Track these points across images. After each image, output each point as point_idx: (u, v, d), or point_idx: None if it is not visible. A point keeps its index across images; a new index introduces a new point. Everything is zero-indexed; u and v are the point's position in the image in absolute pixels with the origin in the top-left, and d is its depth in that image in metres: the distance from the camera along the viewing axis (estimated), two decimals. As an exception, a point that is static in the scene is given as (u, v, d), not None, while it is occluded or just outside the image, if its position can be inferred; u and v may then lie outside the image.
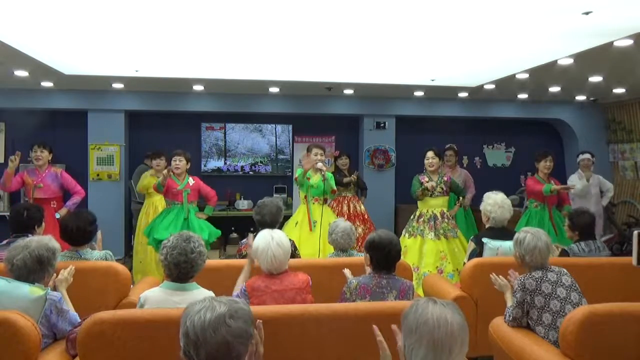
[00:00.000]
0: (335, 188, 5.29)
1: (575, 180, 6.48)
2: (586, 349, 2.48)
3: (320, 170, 5.07)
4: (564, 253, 3.95)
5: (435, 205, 5.44)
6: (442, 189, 5.47)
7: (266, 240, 2.85)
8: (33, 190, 5.30)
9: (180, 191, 5.31)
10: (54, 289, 2.87)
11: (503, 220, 4.06)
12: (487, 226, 4.14)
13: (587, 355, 2.48)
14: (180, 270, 2.54)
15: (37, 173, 5.38)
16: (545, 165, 5.67)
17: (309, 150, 5.35)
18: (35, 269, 2.68)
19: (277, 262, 2.81)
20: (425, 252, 5.25)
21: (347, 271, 3.20)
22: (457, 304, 1.74)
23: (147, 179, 6.18)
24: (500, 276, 3.20)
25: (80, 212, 3.67)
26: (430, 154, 5.52)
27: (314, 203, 5.21)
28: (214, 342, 1.54)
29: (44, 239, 2.78)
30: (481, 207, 4.18)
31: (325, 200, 5.27)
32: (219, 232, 5.44)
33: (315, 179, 5.22)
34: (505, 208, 4.06)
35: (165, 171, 5.28)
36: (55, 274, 2.87)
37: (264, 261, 2.82)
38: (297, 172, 5.33)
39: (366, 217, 6.26)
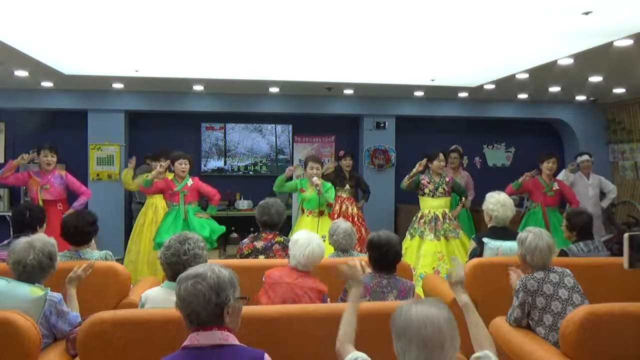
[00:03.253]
0: (332, 201, 5.32)
1: (562, 175, 6.48)
2: (586, 349, 2.48)
3: (316, 185, 5.07)
4: (563, 253, 3.95)
5: (436, 206, 5.43)
6: (444, 189, 5.46)
7: (309, 238, 2.96)
8: (40, 192, 5.31)
9: (177, 192, 5.29)
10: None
11: (505, 218, 4.06)
12: (489, 226, 4.14)
13: (587, 355, 2.48)
14: (173, 270, 2.54)
15: (43, 175, 5.39)
16: (548, 167, 5.67)
17: (306, 164, 5.36)
18: (37, 275, 2.69)
19: (310, 260, 2.91)
20: (423, 253, 5.25)
21: (357, 261, 3.23)
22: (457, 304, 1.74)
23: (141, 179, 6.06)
24: (519, 270, 3.10)
25: (80, 212, 3.67)
26: (442, 156, 5.53)
27: (308, 215, 5.24)
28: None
29: (47, 245, 2.76)
30: (483, 207, 4.18)
31: (321, 213, 5.27)
32: (223, 228, 5.37)
33: (310, 191, 5.22)
34: (507, 206, 4.07)
35: (158, 170, 5.26)
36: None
37: (299, 253, 2.91)
38: (297, 182, 5.39)
39: (356, 219, 6.24)
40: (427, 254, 5.22)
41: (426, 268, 5.16)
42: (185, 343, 1.84)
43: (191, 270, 1.90)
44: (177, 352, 1.84)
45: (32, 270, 2.65)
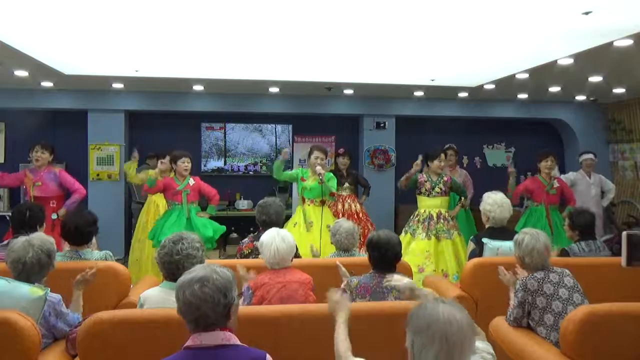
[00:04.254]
0: (334, 190, 5.29)
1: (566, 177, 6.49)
2: (586, 349, 2.48)
3: (319, 174, 5.07)
4: (564, 253, 3.95)
5: (432, 205, 5.41)
6: (441, 189, 5.44)
7: (272, 235, 2.98)
8: (32, 189, 5.30)
9: (179, 191, 5.29)
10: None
11: (503, 219, 4.06)
12: (487, 226, 4.14)
13: (587, 355, 2.48)
14: (168, 270, 2.55)
15: (37, 172, 5.38)
16: (545, 165, 5.66)
17: (310, 152, 5.34)
18: (36, 273, 2.69)
19: (280, 256, 2.92)
20: (411, 250, 5.24)
21: (341, 266, 3.21)
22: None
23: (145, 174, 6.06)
24: (510, 272, 3.17)
25: (80, 212, 3.66)
26: (443, 156, 5.51)
27: (309, 205, 5.23)
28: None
29: (46, 243, 2.76)
30: (481, 207, 4.18)
31: (322, 202, 5.26)
32: (223, 228, 5.39)
33: (311, 181, 5.22)
34: (504, 207, 4.07)
35: (160, 168, 5.31)
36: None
37: (268, 254, 2.93)
38: (298, 171, 5.36)
39: (361, 215, 6.23)
40: (414, 252, 5.22)
41: (411, 265, 5.16)
42: (188, 343, 1.83)
43: (193, 274, 1.86)
44: (179, 352, 1.83)
45: (31, 269, 2.65)
